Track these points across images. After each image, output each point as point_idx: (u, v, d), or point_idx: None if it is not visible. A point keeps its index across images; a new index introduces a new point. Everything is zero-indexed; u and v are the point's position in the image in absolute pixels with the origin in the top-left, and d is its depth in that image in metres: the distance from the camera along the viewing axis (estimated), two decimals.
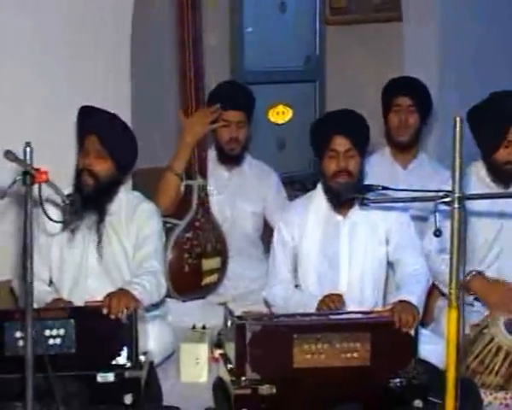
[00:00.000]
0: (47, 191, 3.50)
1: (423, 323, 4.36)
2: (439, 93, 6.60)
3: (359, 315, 4.12)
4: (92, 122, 4.36)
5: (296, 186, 6.80)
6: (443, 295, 4.57)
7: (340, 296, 4.24)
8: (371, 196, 3.98)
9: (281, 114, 8.76)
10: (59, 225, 4.12)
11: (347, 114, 4.46)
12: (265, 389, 3.80)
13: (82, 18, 5.28)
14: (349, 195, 4.25)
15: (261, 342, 3.83)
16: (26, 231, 3.35)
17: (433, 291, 4.62)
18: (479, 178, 4.64)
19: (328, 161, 4.31)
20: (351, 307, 4.27)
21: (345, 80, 8.66)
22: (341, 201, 4.35)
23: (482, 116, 4.52)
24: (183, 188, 5.10)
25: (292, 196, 5.45)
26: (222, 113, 5.19)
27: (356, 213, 4.42)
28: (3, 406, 3.72)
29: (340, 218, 4.43)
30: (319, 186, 4.47)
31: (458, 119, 3.07)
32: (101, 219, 4.38)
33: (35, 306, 3.51)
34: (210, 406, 3.99)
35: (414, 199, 3.99)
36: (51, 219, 3.62)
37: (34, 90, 5.14)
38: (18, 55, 5.09)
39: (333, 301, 4.20)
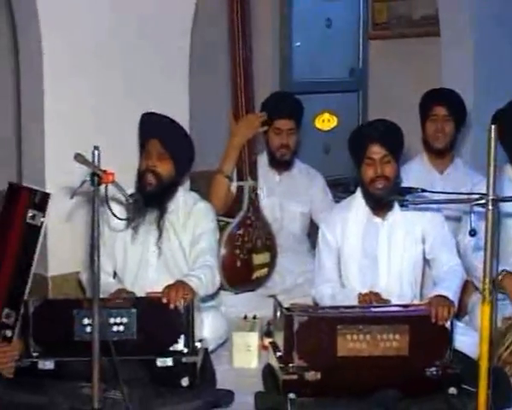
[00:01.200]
0: (112, 191, 3.54)
1: (458, 316, 4.32)
2: (474, 103, 6.58)
3: (398, 308, 4.10)
4: (154, 127, 4.39)
5: (340, 188, 6.78)
6: (476, 289, 4.53)
7: (377, 295, 4.23)
8: (411, 199, 3.97)
9: (326, 122, 8.77)
10: (123, 222, 4.14)
11: (382, 123, 4.44)
12: (311, 376, 3.80)
13: (146, 33, 5.31)
14: (390, 198, 4.24)
15: (307, 332, 3.84)
16: (94, 228, 3.39)
17: (467, 287, 4.58)
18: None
19: (365, 168, 4.30)
20: (391, 301, 4.25)
21: (385, 90, 8.65)
22: (382, 204, 4.34)
23: (507, 119, 4.48)
24: (235, 189, 5.12)
25: (336, 198, 5.44)
26: (271, 120, 5.21)
27: (394, 214, 4.40)
28: (72, 385, 3.74)
29: (378, 220, 4.41)
30: (359, 190, 4.45)
31: (493, 126, 3.06)
32: (161, 217, 4.40)
33: (101, 296, 3.55)
34: (260, 390, 3.98)
35: (451, 201, 3.97)
36: (116, 217, 3.65)
37: (103, 98, 5.19)
38: (94, 61, 5.16)
39: (370, 299, 4.20)
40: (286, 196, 5.36)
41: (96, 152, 3.39)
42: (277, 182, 5.40)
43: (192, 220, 4.45)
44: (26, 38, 5.22)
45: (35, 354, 3.94)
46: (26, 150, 5.39)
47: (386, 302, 4.20)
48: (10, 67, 5.70)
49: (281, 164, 5.38)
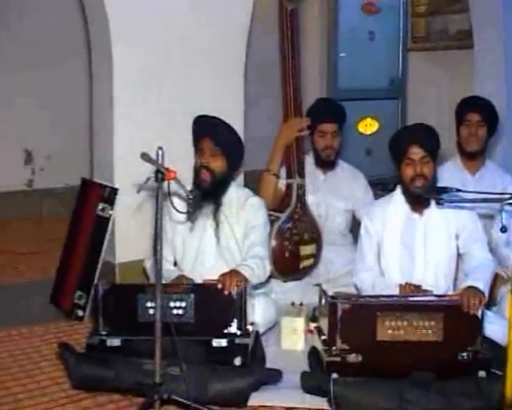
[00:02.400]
0: (174, 187, 3.55)
1: (488, 306, 4.27)
2: (506, 109, 6.52)
3: (434, 298, 4.06)
4: (206, 126, 4.40)
5: (380, 187, 6.74)
6: (506, 281, 4.48)
7: (418, 288, 4.20)
8: (446, 197, 3.95)
9: (368, 126, 8.75)
10: (183, 215, 4.15)
11: (421, 126, 4.42)
12: (352, 358, 3.79)
13: (204, 41, 5.33)
14: (428, 195, 4.22)
15: (350, 318, 3.82)
16: (157, 220, 3.41)
17: (496, 279, 4.52)
18: None
19: (405, 168, 4.27)
20: (433, 291, 4.21)
21: (423, 98, 8.63)
22: (420, 201, 4.31)
23: None
24: (284, 186, 5.11)
25: (377, 196, 5.40)
26: (316, 124, 5.20)
27: (430, 211, 4.36)
28: (136, 361, 3.76)
29: (416, 216, 4.37)
30: (398, 188, 4.42)
31: None
32: (216, 210, 4.40)
33: (163, 282, 3.57)
34: (305, 370, 3.97)
35: (483, 200, 3.92)
36: (177, 211, 3.67)
37: (167, 102, 5.22)
38: (159, 68, 5.18)
39: (411, 291, 4.17)
40: (330, 194, 5.34)
41: (160, 151, 3.41)
42: (322, 180, 5.38)
43: (245, 214, 4.45)
44: (98, 48, 5.26)
45: (103, 333, 3.97)
46: (96, 149, 5.44)
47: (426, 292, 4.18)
48: (85, 75, 5.74)
49: (325, 164, 5.36)
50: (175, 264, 4.52)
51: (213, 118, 4.40)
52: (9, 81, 7.28)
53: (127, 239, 5.11)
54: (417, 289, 4.19)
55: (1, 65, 7.24)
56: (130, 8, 5.05)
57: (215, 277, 4.09)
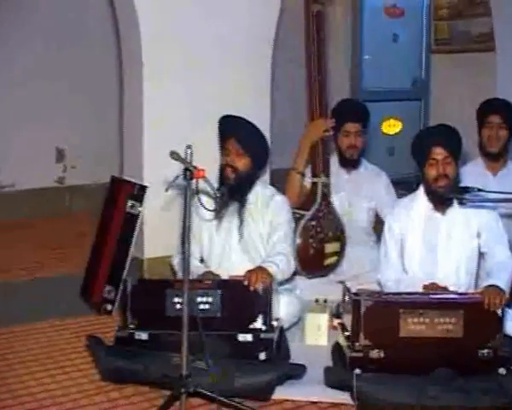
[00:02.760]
0: (202, 185, 3.55)
1: (509, 304, 4.23)
2: None
3: (455, 295, 4.04)
4: (231, 127, 4.39)
5: (402, 186, 6.70)
6: None
7: (443, 289, 4.18)
8: (468, 197, 3.93)
9: (392, 127, 8.73)
10: (210, 213, 4.16)
11: (444, 128, 4.39)
12: (375, 354, 3.78)
13: (234, 42, 5.34)
14: (451, 195, 4.19)
15: (373, 315, 3.81)
16: (185, 217, 3.41)
17: None
18: None
19: (428, 168, 4.25)
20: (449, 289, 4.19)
21: (445, 99, 8.59)
22: (442, 200, 4.29)
23: None
24: (309, 185, 5.10)
25: (399, 195, 5.37)
26: (340, 124, 5.18)
27: (453, 211, 4.33)
28: (163, 355, 3.76)
29: (439, 215, 4.34)
30: (421, 188, 4.40)
31: None
32: (242, 207, 4.40)
33: (190, 277, 3.57)
34: (328, 365, 3.96)
35: (505, 200, 3.89)
36: (205, 208, 3.68)
37: (195, 102, 5.23)
38: (188, 69, 5.20)
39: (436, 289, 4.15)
40: (354, 193, 5.32)
41: (189, 150, 3.42)
42: (346, 179, 5.36)
43: (270, 211, 4.44)
44: (128, 49, 5.28)
45: (132, 326, 3.98)
46: (126, 148, 5.46)
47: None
48: (116, 75, 5.76)
49: (349, 163, 5.34)
50: (201, 260, 4.52)
51: (238, 118, 4.39)
52: (42, 81, 7.32)
53: (155, 235, 5.12)
54: (442, 290, 4.16)
55: (34, 66, 7.28)
56: (161, 10, 5.07)
57: (241, 273, 4.09)
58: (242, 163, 4.31)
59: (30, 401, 3.73)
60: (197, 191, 3.46)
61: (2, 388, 3.87)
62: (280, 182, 5.11)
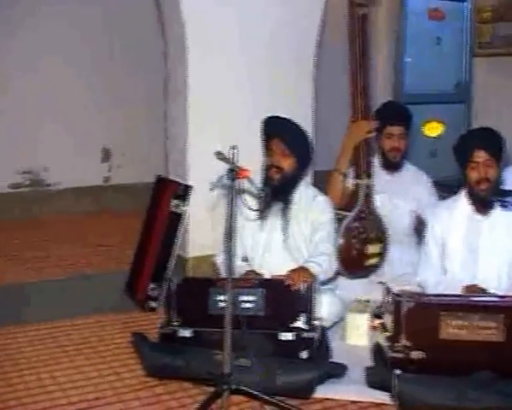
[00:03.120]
0: (246, 185, 3.56)
1: None
2: None
3: (495, 299, 3.99)
4: (276, 127, 4.38)
5: (444, 188, 6.64)
6: None
7: (483, 290, 4.14)
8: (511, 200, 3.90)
9: (434, 129, 8.67)
10: (254, 213, 4.16)
11: (486, 131, 4.35)
12: (415, 355, 3.75)
13: (277, 44, 5.34)
14: (492, 198, 4.16)
15: (414, 316, 3.78)
16: (230, 217, 3.41)
17: None
18: None
19: (470, 171, 4.22)
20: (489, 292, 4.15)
21: (488, 102, 8.51)
22: (484, 203, 4.25)
23: None
24: (352, 186, 5.07)
25: (441, 197, 5.33)
26: (383, 126, 5.15)
27: (494, 213, 4.29)
28: (206, 352, 3.78)
29: (480, 218, 4.30)
30: (463, 190, 4.36)
31: None
32: (285, 207, 4.40)
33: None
34: (369, 365, 3.94)
35: None
36: (249, 208, 3.68)
37: (239, 103, 5.25)
38: (231, 70, 5.22)
39: (476, 292, 4.11)
40: (396, 194, 5.27)
41: (234, 150, 3.42)
42: (388, 181, 5.32)
43: (312, 212, 4.43)
44: (175, 50, 5.31)
45: (175, 324, 3.99)
46: (171, 148, 5.49)
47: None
48: (162, 75, 5.79)
49: (392, 165, 5.31)
50: (244, 259, 4.53)
51: (283, 118, 4.39)
52: (89, 82, 7.39)
53: (200, 235, 5.15)
54: (482, 291, 4.12)
55: (81, 67, 7.35)
56: (205, 16, 5.09)
57: (283, 273, 4.09)
58: (287, 163, 4.31)
59: (75, 395, 3.77)
60: (241, 191, 3.46)
61: (49, 380, 3.93)
62: (322, 183, 5.09)
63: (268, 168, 4.34)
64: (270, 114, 4.43)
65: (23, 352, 4.28)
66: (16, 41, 7.06)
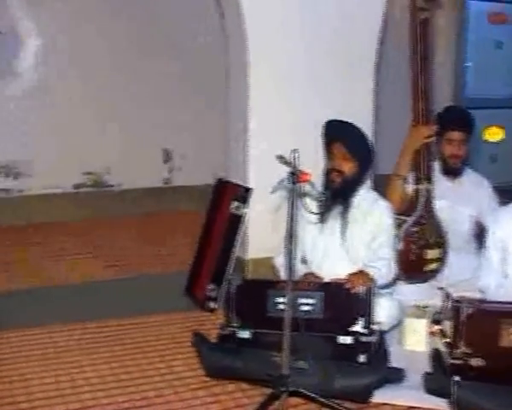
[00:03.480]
0: (307, 188, 3.55)
1: None
2: None
3: None
4: (338, 131, 4.36)
5: (505, 194, 6.55)
6: None
7: None
8: None
9: (494, 134, 8.55)
10: (314, 216, 4.15)
11: None
12: (475, 361, 3.69)
13: (338, 46, 5.33)
14: None
15: (474, 322, 3.72)
16: (290, 220, 3.41)
17: None
18: None
19: None
20: None
21: None
22: None
23: None
24: (412, 191, 5.03)
25: (501, 202, 5.25)
26: (444, 131, 5.09)
27: None
28: (265, 354, 3.77)
29: None
30: None
31: None
32: (345, 211, 4.37)
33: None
34: (428, 371, 3.89)
35: None
36: (310, 211, 3.67)
37: (300, 107, 5.25)
38: (291, 76, 5.21)
39: None
40: (456, 200, 5.20)
41: (295, 154, 3.41)
42: (448, 187, 5.25)
43: (372, 216, 4.40)
44: (235, 53, 5.34)
45: (234, 325, 4.00)
46: (232, 150, 5.50)
47: None
48: (222, 79, 5.82)
49: (452, 171, 5.23)
50: (303, 262, 4.51)
51: (345, 122, 4.36)
52: (150, 84, 7.46)
53: (259, 237, 5.16)
54: None
55: (143, 70, 7.43)
56: (267, 17, 5.10)
57: (342, 276, 4.07)
58: (348, 167, 4.29)
59: (134, 392, 3.80)
60: (302, 194, 3.46)
61: (111, 377, 3.97)
62: (382, 187, 5.05)
63: (329, 172, 4.32)
64: (330, 118, 4.42)
65: (83, 349, 4.32)
66: (78, 47, 7.17)
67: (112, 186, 7.54)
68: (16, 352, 4.26)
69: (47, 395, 3.75)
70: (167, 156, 7.76)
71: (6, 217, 6.95)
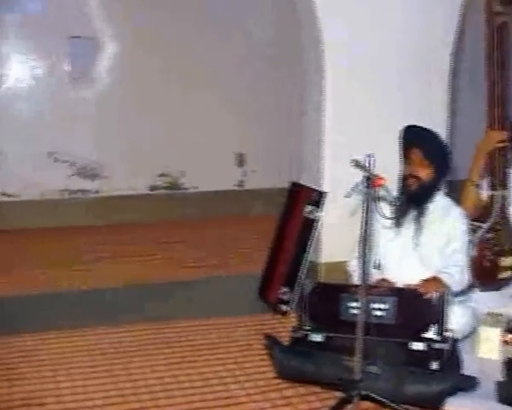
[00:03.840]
0: (382, 192, 3.52)
1: None
2: None
3: None
4: (416, 137, 4.31)
5: None
6: None
7: None
8: None
9: None
10: (389, 220, 4.12)
11: None
12: None
13: (414, 51, 5.29)
14: None
15: None
16: (365, 225, 3.39)
17: None
18: None
19: None
20: None
21: None
22: None
23: None
24: (487, 197, 4.94)
25: None
26: None
27: None
28: (337, 357, 3.75)
29: None
30: None
31: None
32: (420, 216, 4.33)
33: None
34: (500, 379, 3.82)
35: None
36: (384, 216, 3.64)
37: (375, 111, 5.22)
38: (368, 77, 5.19)
39: None
40: None
41: (370, 158, 3.39)
42: None
43: (447, 222, 4.34)
44: (311, 57, 5.33)
45: (307, 328, 4.00)
46: (306, 154, 5.49)
47: None
48: (298, 82, 5.83)
49: None
50: (376, 266, 4.47)
51: (423, 128, 4.31)
52: (225, 88, 7.52)
53: (333, 241, 5.13)
54: None
55: (218, 75, 7.49)
56: (343, 19, 5.09)
57: (415, 282, 4.03)
58: (425, 173, 4.24)
59: (207, 393, 3.83)
60: (377, 199, 3.43)
61: (184, 377, 4.00)
62: (457, 193, 4.98)
63: (405, 177, 4.29)
64: (406, 123, 4.38)
65: (155, 349, 4.37)
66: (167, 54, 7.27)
67: (186, 189, 7.61)
68: (94, 348, 4.35)
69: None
70: (241, 160, 7.80)
71: (83, 217, 7.10)
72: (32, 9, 7.04)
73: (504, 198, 4.88)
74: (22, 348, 4.31)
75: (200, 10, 7.39)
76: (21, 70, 7.16)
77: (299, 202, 5.12)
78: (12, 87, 7.13)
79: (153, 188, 7.53)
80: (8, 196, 7.15)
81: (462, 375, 3.89)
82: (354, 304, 3.85)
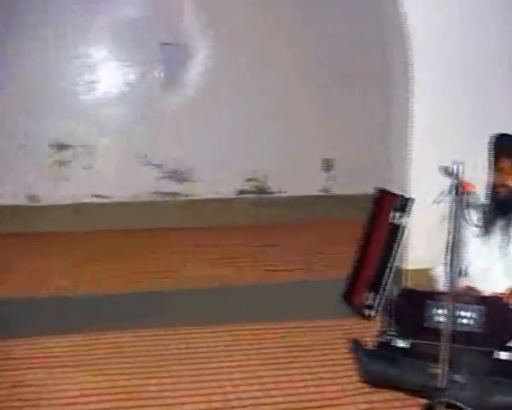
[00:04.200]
0: (470, 200, 3.48)
1: None
2: None
3: None
4: (505, 145, 4.25)
5: None
6: None
7: None
8: None
9: None
10: (476, 228, 4.06)
11: None
12: None
13: (505, 61, 5.22)
14: None
15: None
16: (453, 232, 3.36)
17: None
18: None
19: None
20: None
21: None
22: None
23: None
24: None
25: None
26: None
27: None
28: (421, 364, 3.71)
29: None
30: None
31: None
32: (508, 225, 4.25)
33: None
34: None
35: None
36: (472, 224, 3.59)
37: (464, 117, 5.16)
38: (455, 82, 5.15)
39: None
40: None
41: (459, 166, 3.36)
42: None
43: None
44: (397, 65, 5.30)
45: (392, 333, 3.97)
46: (394, 161, 5.47)
47: None
48: (384, 89, 5.80)
49: None
50: (463, 274, 4.42)
51: None
52: (310, 93, 7.53)
53: (420, 248, 5.09)
54: None
55: (303, 79, 7.50)
56: (429, 24, 5.05)
57: (502, 290, 3.97)
58: None
59: (291, 395, 3.85)
60: (465, 206, 3.39)
61: (267, 378, 4.03)
62: None
63: (495, 186, 4.22)
64: (496, 132, 4.31)
65: (239, 350, 4.42)
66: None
67: (273, 193, 7.65)
68: (163, 349, 4.43)
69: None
70: (327, 165, 7.80)
71: (173, 219, 7.22)
72: (126, 16, 7.20)
73: None
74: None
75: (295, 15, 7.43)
76: (114, 76, 7.34)
77: (386, 207, 5.10)
78: (106, 92, 7.31)
79: (240, 192, 7.60)
80: (102, 197, 7.32)
81: None
82: (439, 311, 3.80)
